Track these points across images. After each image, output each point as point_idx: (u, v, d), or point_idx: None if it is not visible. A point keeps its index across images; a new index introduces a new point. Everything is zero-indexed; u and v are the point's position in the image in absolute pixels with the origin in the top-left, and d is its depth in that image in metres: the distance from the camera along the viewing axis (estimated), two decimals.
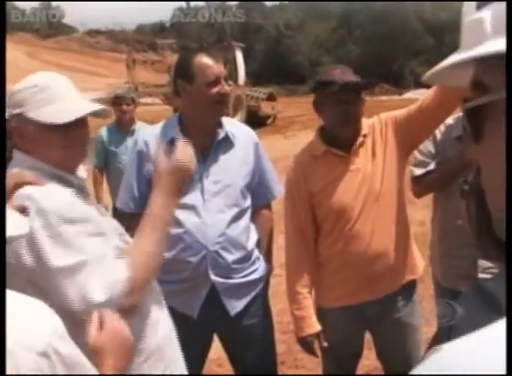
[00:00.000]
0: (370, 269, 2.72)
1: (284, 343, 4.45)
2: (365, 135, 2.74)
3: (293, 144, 16.86)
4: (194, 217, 2.67)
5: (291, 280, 2.81)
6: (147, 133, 2.83)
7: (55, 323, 1.09)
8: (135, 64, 37.92)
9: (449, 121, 3.27)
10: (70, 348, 1.09)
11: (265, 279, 2.92)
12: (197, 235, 2.65)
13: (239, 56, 22.73)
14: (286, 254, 2.84)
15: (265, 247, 2.96)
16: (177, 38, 56.24)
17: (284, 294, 5.58)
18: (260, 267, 2.86)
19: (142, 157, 2.75)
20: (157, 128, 2.79)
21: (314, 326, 2.77)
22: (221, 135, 2.75)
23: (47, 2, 75.84)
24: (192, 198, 2.68)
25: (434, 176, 3.10)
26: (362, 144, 2.73)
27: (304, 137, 21.35)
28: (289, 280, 2.83)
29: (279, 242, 7.05)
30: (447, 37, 63.18)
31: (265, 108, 23.07)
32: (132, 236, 2.85)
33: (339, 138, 2.71)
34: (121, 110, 5.80)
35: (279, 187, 2.99)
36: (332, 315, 2.80)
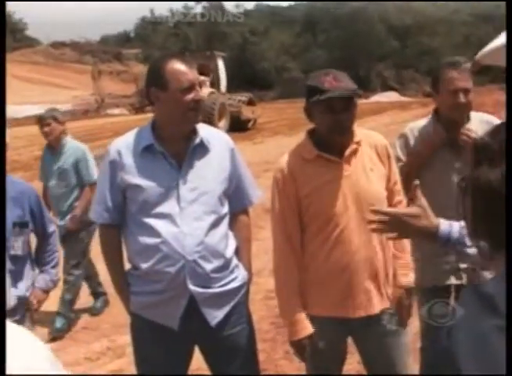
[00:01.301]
0: (356, 281, 2.67)
1: (264, 351, 4.41)
2: (358, 143, 2.70)
3: (262, 150, 16.86)
4: (171, 226, 2.61)
5: (281, 285, 2.75)
6: (120, 142, 2.76)
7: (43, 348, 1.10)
8: (100, 75, 37.75)
9: (422, 122, 3.29)
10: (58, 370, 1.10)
11: (245, 287, 2.87)
12: (174, 245, 2.59)
13: (221, 65, 23.99)
14: (274, 258, 2.78)
15: (244, 254, 2.91)
16: (142, 48, 56.14)
17: (261, 301, 5.58)
18: (239, 275, 2.81)
19: (114, 166, 2.69)
20: (130, 136, 2.74)
21: (307, 328, 2.71)
22: (196, 141, 2.69)
23: (11, 16, 74.99)
24: (168, 206, 2.62)
25: (404, 168, 3.11)
26: (355, 151, 2.69)
27: (273, 143, 21.45)
28: (278, 285, 2.77)
29: (253, 249, 7.05)
30: (411, 40, 63.92)
31: (246, 112, 24.30)
32: (109, 247, 2.81)
33: (331, 143, 2.67)
34: (44, 132, 5.57)
35: (256, 193, 2.95)
36: (315, 322, 2.76)
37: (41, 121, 5.57)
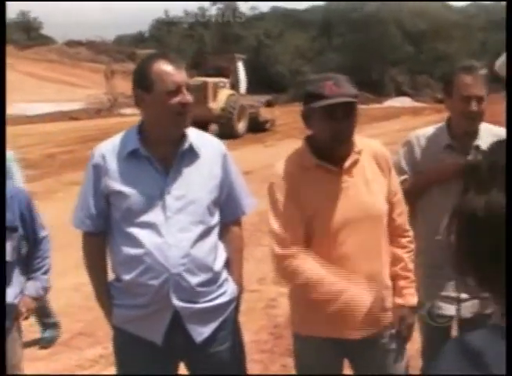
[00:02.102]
0: (355, 300, 2.45)
1: (261, 362, 4.26)
2: (359, 152, 2.52)
3: (273, 153, 16.72)
4: (155, 236, 2.45)
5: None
6: (104, 145, 2.60)
7: None
8: (113, 75, 37.80)
9: (429, 130, 3.12)
10: None
11: (235, 302, 2.70)
12: (158, 256, 2.43)
13: (241, 67, 24.66)
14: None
15: (235, 266, 2.74)
16: (157, 49, 56.23)
17: (261, 311, 5.44)
18: (228, 289, 2.64)
19: (98, 171, 2.53)
20: (116, 139, 2.58)
21: None
22: (185, 146, 2.53)
23: (25, 14, 75.46)
24: (152, 216, 2.46)
25: (406, 184, 2.94)
26: (356, 161, 2.52)
27: (285, 146, 21.49)
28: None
29: (258, 255, 6.94)
30: (425, 45, 63.59)
31: (264, 114, 25.10)
32: (91, 256, 2.66)
33: (330, 152, 2.50)
34: None
35: (250, 201, 2.78)
36: (307, 342, 2.60)
37: None
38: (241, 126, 22.67)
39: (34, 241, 3.17)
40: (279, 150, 18.45)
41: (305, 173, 2.52)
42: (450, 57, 62.50)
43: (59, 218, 8.34)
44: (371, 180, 2.52)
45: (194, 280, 2.48)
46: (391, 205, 2.60)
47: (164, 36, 71.21)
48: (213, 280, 2.55)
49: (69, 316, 5.36)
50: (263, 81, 52.35)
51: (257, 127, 23.83)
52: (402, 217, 2.65)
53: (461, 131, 2.98)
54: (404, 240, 2.65)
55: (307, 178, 2.51)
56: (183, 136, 2.53)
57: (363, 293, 2.42)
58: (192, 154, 2.55)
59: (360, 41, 59.92)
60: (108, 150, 2.54)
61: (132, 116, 30.33)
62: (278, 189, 2.53)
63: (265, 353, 4.46)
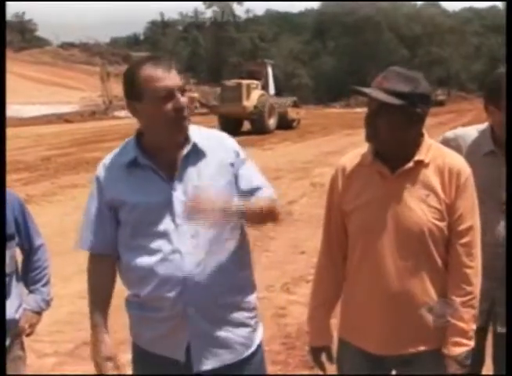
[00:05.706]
0: (387, 316, 2.34)
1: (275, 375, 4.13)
2: (419, 162, 2.31)
3: (271, 157, 16.62)
4: (167, 246, 2.29)
5: (312, 295, 2.58)
6: (108, 156, 2.42)
7: None
8: (109, 77, 37.67)
9: (470, 132, 2.89)
10: None
11: (260, 352, 2.51)
12: (171, 266, 2.27)
13: (270, 71, 28.48)
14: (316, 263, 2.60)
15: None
16: (151, 51, 56.19)
17: (272, 319, 5.31)
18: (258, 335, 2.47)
19: (100, 183, 2.38)
20: (117, 149, 2.41)
21: (323, 339, 2.53)
22: (188, 148, 2.33)
23: (20, 16, 75.23)
24: (162, 225, 2.29)
25: None
26: (411, 171, 2.31)
27: (282, 150, 21.11)
28: (311, 294, 2.59)
29: (263, 261, 6.82)
30: (420, 49, 63.77)
31: (291, 113, 28.30)
32: (95, 278, 2.47)
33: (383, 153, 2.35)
34: None
35: (270, 191, 2.50)
36: (347, 349, 2.47)
37: None
38: (271, 122, 26.07)
39: (29, 250, 2.95)
40: (276, 154, 18.41)
41: (360, 169, 2.39)
42: (445, 61, 62.82)
43: (59, 221, 8.23)
44: (425, 196, 2.31)
45: (212, 287, 2.31)
46: (453, 233, 2.33)
47: (159, 38, 71.16)
48: (236, 288, 2.39)
49: (73, 324, 5.19)
50: None
51: (286, 125, 27.13)
52: (463, 249, 2.33)
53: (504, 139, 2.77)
54: (459, 279, 2.34)
55: (358, 175, 2.39)
56: (186, 138, 2.34)
57: None
58: (197, 154, 2.35)
59: (354, 45, 60.05)
60: (109, 161, 2.37)
61: (127, 118, 30.22)
62: (330, 184, 2.49)
63: (278, 365, 4.33)
